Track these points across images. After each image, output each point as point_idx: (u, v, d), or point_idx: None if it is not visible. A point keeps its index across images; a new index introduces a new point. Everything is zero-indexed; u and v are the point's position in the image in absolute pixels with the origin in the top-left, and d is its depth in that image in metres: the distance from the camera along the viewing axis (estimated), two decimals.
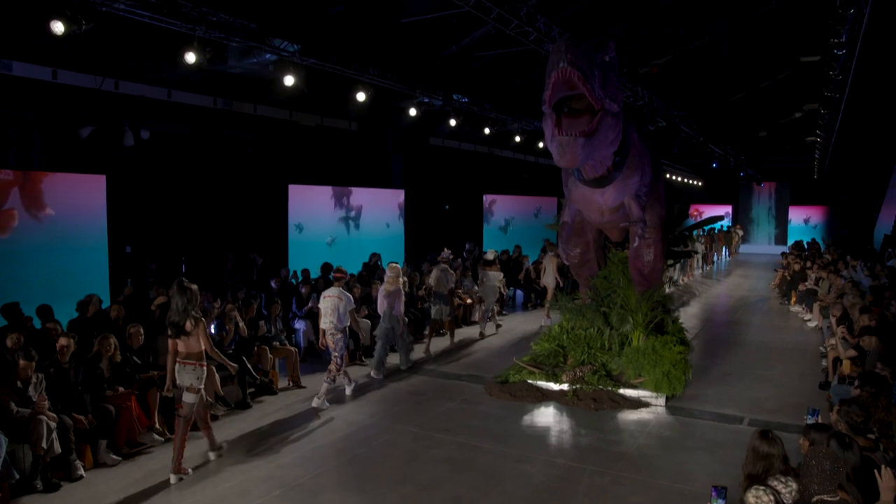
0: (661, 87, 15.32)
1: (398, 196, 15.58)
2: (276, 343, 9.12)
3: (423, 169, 17.23)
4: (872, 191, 23.40)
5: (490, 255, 12.98)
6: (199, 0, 7.63)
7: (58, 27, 6.84)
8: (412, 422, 7.52)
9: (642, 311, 8.55)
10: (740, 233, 32.44)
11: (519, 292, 16.24)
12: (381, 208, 15.18)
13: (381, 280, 10.13)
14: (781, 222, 34.20)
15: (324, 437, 7.06)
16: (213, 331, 8.43)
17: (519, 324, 13.38)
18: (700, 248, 23.91)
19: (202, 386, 6.05)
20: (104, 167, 10.34)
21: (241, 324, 8.42)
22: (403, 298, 9.82)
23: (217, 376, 7.83)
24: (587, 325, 9.15)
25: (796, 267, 16.99)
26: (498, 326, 12.79)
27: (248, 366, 8.21)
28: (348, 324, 8.26)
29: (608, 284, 9.21)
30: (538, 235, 18.87)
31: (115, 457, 6.21)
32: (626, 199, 7.89)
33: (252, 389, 8.34)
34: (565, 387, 8.25)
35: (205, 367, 6.07)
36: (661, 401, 7.98)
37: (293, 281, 11.83)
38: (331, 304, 8.14)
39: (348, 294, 8.40)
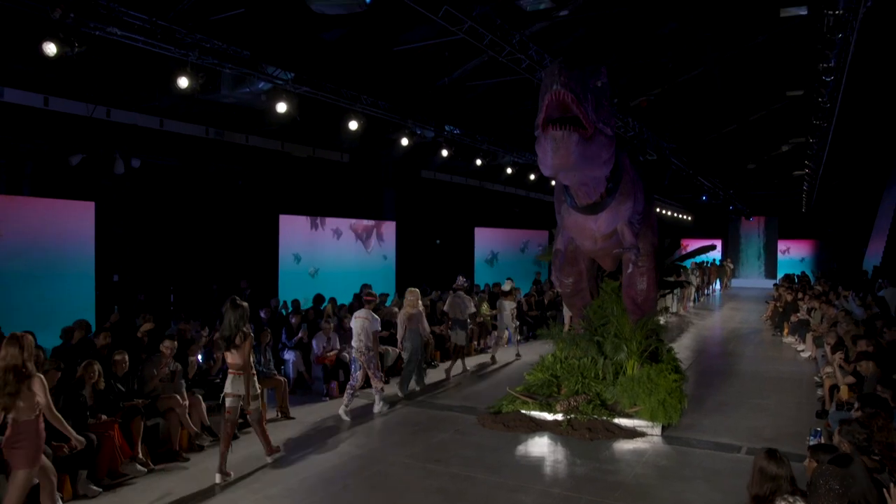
0: (651, 119, 15.50)
1: (390, 228, 15.56)
2: (265, 373, 8.94)
3: (415, 201, 17.24)
4: (860, 224, 23.59)
5: (507, 286, 13.45)
6: (193, 26, 7.66)
7: (50, 49, 6.82)
8: (404, 452, 7.34)
9: (636, 340, 8.45)
10: (731, 266, 32.65)
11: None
12: (372, 240, 15.13)
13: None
14: (770, 256, 34.38)
15: (313, 468, 6.87)
16: (200, 360, 8.29)
17: (512, 355, 13.24)
18: (694, 280, 24.29)
19: (246, 392, 6.59)
20: (94, 195, 10.27)
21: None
22: (426, 321, 10.27)
23: (203, 405, 7.66)
24: (581, 355, 9.03)
25: (788, 298, 16.99)
26: (517, 356, 12.92)
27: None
28: (371, 344, 8.76)
29: (602, 314, 9.14)
30: (525, 269, 18.88)
31: (95, 488, 6.00)
32: (620, 225, 7.87)
33: (240, 420, 8.14)
34: (559, 416, 8.10)
35: (254, 377, 6.73)
36: (657, 430, 7.84)
37: (283, 311, 11.70)
38: (360, 324, 8.75)
39: (375, 316, 8.92)
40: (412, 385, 10.09)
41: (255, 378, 6.77)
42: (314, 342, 10.31)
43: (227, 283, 12.32)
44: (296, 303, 11.68)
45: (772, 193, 29.64)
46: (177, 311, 10.46)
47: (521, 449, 7.48)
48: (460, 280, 12.52)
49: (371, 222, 15.62)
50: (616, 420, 7.97)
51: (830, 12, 6.29)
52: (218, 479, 6.35)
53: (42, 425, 4.77)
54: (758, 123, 19.36)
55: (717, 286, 29.33)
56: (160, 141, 11.22)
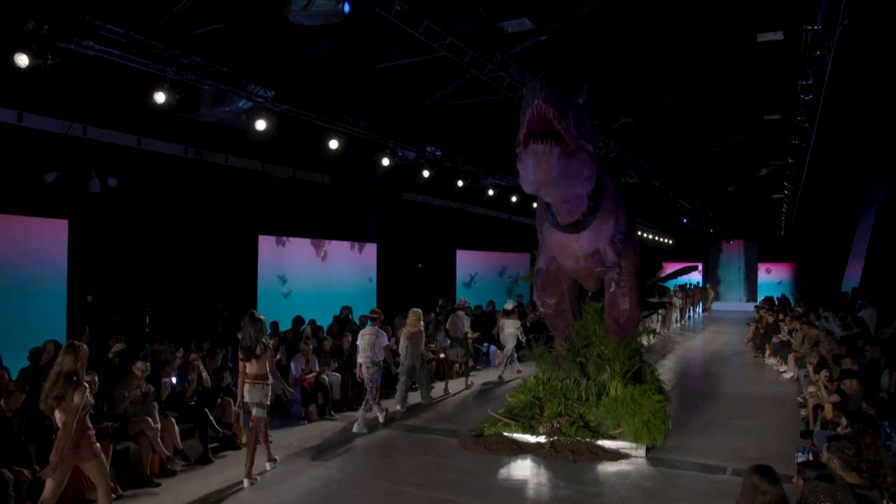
0: (632, 141, 15.60)
1: (371, 250, 15.43)
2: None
3: (396, 223, 17.14)
4: (838, 247, 23.86)
5: (509, 306, 13.79)
6: (171, 41, 7.57)
7: (22, 60, 6.67)
8: (384, 476, 7.15)
9: (620, 360, 8.37)
10: (713, 289, 32.88)
11: (492, 347, 15.94)
12: (353, 262, 14.99)
13: (353, 332, 10.84)
14: (751, 279, 34.63)
15: (289, 493, 6.67)
16: (174, 381, 8.07)
17: (493, 378, 13.09)
18: (678, 302, 24.59)
19: (269, 402, 7.05)
20: (68, 213, 10.06)
21: (205, 374, 8.05)
22: (424, 339, 10.84)
23: (177, 428, 7.43)
24: (563, 376, 8.92)
25: (769, 320, 17.05)
26: (518, 372, 12.97)
27: (211, 418, 7.81)
28: (382, 358, 9.34)
29: (584, 335, 9.07)
30: (503, 291, 18.83)
31: None
32: (602, 244, 7.82)
33: (215, 444, 7.93)
34: (542, 439, 7.96)
35: (270, 386, 7.08)
36: (642, 451, 7.72)
37: None
38: (368, 340, 9.22)
39: (383, 332, 9.46)
40: (418, 399, 10.59)
41: (270, 388, 7.14)
42: (292, 364, 10.10)
43: (204, 304, 12.11)
44: (274, 324, 11.47)
45: (751, 217, 29.95)
46: (152, 332, 10.23)
47: (503, 472, 7.32)
48: (460, 301, 13.25)
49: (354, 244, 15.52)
50: (599, 442, 7.84)
51: (809, 27, 6.35)
52: (246, 483, 6.78)
53: (87, 420, 5.24)
54: (737, 147, 19.58)
55: (700, 309, 29.48)
56: (138, 160, 11.05)
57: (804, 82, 8.08)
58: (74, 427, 4.99)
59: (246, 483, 6.78)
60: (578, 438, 7.84)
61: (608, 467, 7.40)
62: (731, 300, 34.23)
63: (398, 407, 10.13)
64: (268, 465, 7.29)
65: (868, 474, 3.90)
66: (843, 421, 4.51)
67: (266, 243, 12.42)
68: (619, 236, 8.47)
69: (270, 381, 7.14)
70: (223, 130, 11.29)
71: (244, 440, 8.28)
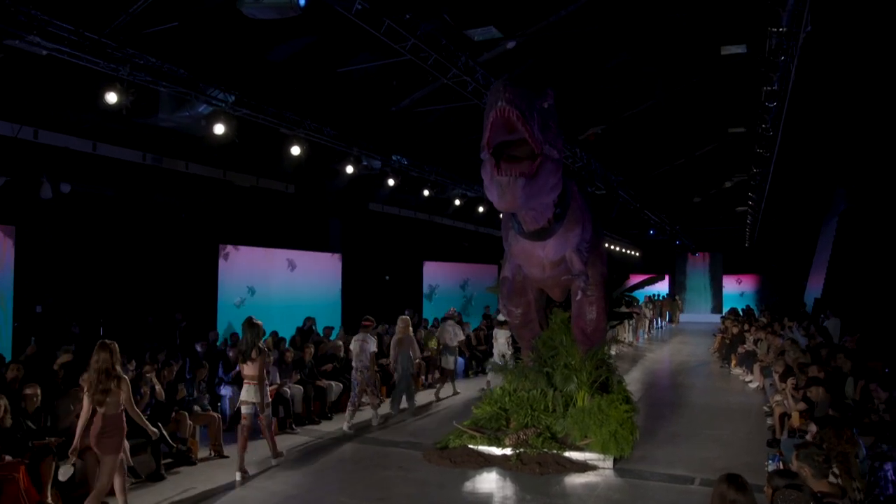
0: (599, 152, 15.64)
1: (335, 261, 15.15)
2: (198, 408, 8.40)
3: (362, 234, 16.89)
4: (800, 259, 24.26)
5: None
6: (125, 40, 7.28)
7: None
8: (343, 492, 6.92)
9: (587, 370, 8.25)
10: (680, 301, 33.21)
11: (460, 359, 15.73)
12: (317, 272, 14.70)
13: (315, 343, 10.93)
14: (716, 291, 35.03)
15: None
16: None
17: (461, 390, 12.88)
18: (648, 312, 25.13)
19: (260, 400, 7.43)
20: (15, 220, 9.62)
21: (158, 387, 7.71)
22: (416, 344, 11.28)
23: (127, 444, 7.06)
24: (530, 387, 8.77)
25: (735, 330, 17.17)
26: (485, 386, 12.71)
27: (164, 433, 7.45)
28: (369, 364, 9.72)
29: (551, 345, 8.95)
30: (459, 304, 18.71)
31: None
32: (568, 252, 7.71)
33: (168, 459, 7.59)
34: (508, 451, 7.78)
35: (266, 386, 7.55)
36: (609, 463, 7.59)
37: (218, 344, 11.15)
38: (359, 346, 9.75)
39: (372, 338, 9.93)
40: (403, 404, 10.66)
41: (268, 388, 7.65)
42: None
43: (163, 315, 11.72)
44: (234, 336, 11.14)
45: (717, 229, 30.35)
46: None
47: (468, 485, 7.12)
48: (451, 311, 13.46)
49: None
50: (567, 453, 7.69)
51: (774, 29, 6.37)
52: (237, 476, 7.20)
53: (124, 419, 5.75)
54: (703, 160, 19.80)
55: (667, 320, 29.75)
56: (93, 165, 10.66)
57: (768, 88, 8.12)
58: (120, 416, 5.67)
59: (237, 476, 7.18)
60: (545, 450, 7.68)
61: (575, 479, 7.26)
62: (696, 312, 34.56)
63: (391, 410, 10.57)
64: (274, 461, 7.74)
65: (840, 472, 3.81)
66: (812, 427, 4.42)
67: (227, 253, 12.07)
68: (586, 245, 8.38)
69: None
70: (183, 136, 10.96)
71: (206, 453, 8.05)
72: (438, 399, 11.86)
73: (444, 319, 13.55)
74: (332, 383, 10.72)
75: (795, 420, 7.17)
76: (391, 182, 12.92)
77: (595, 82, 13.35)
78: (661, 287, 34.18)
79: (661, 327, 28.41)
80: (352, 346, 9.93)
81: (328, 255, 15.29)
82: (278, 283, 13.78)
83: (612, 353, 17.00)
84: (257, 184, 13.58)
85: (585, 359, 8.29)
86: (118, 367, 5.73)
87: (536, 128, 5.66)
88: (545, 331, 9.44)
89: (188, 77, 8.34)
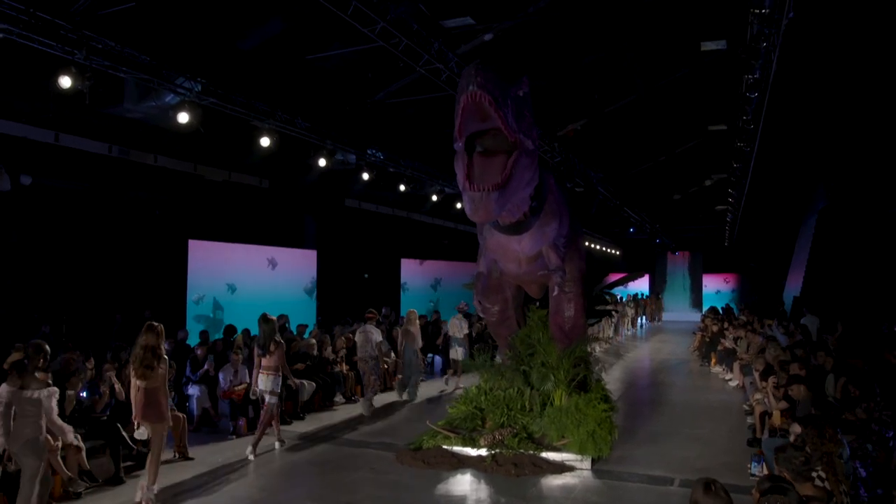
0: (578, 148, 15.46)
1: (310, 257, 14.80)
2: None
3: (338, 231, 16.56)
4: (779, 258, 24.28)
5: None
6: (81, 22, 6.92)
7: None
8: (310, 495, 6.64)
9: (564, 368, 8.02)
10: (660, 303, 33.26)
11: (437, 358, 15.50)
12: (291, 269, 14.36)
13: (287, 341, 10.11)
14: (696, 290, 35.12)
15: None
16: (84, 394, 7.38)
17: (437, 390, 12.63)
18: (630, 311, 25.23)
19: (278, 390, 8.13)
20: None
21: (118, 386, 7.37)
22: (419, 337, 11.92)
23: (83, 447, 6.74)
24: (507, 386, 8.54)
25: (714, 329, 17.09)
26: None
27: (124, 434, 7.12)
28: (375, 354, 10.61)
29: (529, 343, 8.73)
30: (452, 300, 18.45)
31: None
32: (544, 247, 7.50)
33: (129, 462, 7.26)
34: (483, 452, 7.54)
35: (280, 377, 8.14)
36: (587, 464, 7.38)
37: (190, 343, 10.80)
38: (364, 337, 10.62)
39: (376, 330, 10.82)
40: (404, 397, 11.36)
41: (283, 379, 8.28)
42: (221, 375, 9.50)
43: (131, 312, 11.34)
44: (204, 334, 10.81)
45: (696, 228, 30.39)
46: (65, 342, 9.46)
47: (441, 487, 6.87)
48: (461, 305, 13.79)
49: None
50: (543, 454, 7.47)
51: (756, 10, 6.19)
52: (250, 455, 7.76)
53: (165, 391, 6.44)
54: (682, 157, 19.71)
55: (645, 319, 29.76)
56: (55, 156, 10.26)
57: (750, 77, 7.94)
58: (159, 389, 6.30)
59: (250, 455, 7.75)
60: (521, 451, 7.46)
61: (552, 481, 7.04)
62: (676, 310, 34.63)
63: (403, 397, 11.39)
64: (277, 445, 8.26)
65: (826, 473, 3.61)
66: (796, 427, 4.23)
67: (197, 249, 11.71)
68: (563, 240, 8.18)
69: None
70: (151, 128, 10.62)
71: (171, 454, 7.72)
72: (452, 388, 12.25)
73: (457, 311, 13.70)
74: (305, 382, 10.40)
75: (777, 419, 7.00)
76: (366, 176, 12.61)
77: (574, 77, 13.16)
78: (642, 286, 34.22)
79: (643, 325, 28.42)
80: (356, 338, 10.82)
81: (302, 251, 14.93)
82: (251, 280, 13.43)
83: (594, 350, 17.13)
84: (229, 178, 13.24)
85: (562, 357, 8.07)
86: (162, 347, 6.41)
87: (511, 115, 5.40)
88: (523, 328, 9.25)
89: (151, 63, 7.98)
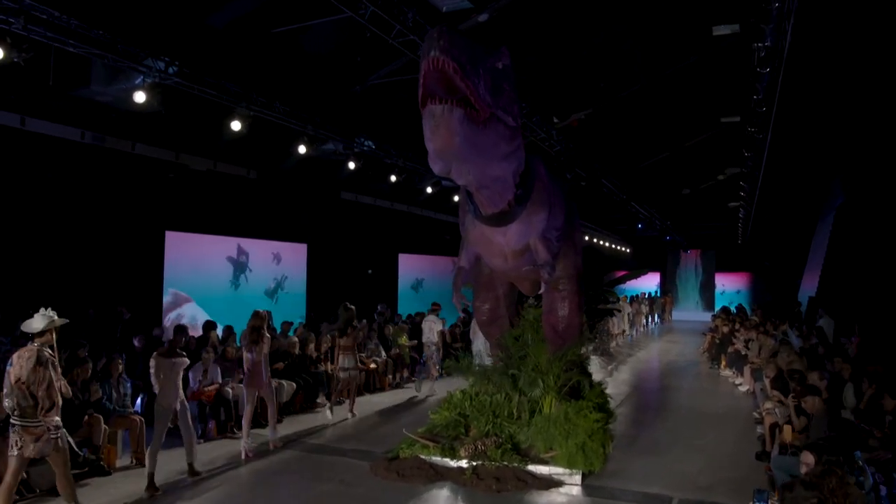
0: (582, 139, 14.74)
1: (300, 251, 14.18)
2: (117, 411, 7.48)
3: (333, 224, 15.94)
4: (794, 256, 23.37)
5: None
6: None
7: None
8: None
9: (554, 373, 7.35)
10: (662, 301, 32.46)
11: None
12: (278, 263, 13.76)
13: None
14: (708, 289, 34.22)
15: None
16: None
17: (434, 390, 12.00)
18: (644, 309, 25.36)
19: (354, 364, 9.81)
20: None
21: (64, 385, 6.76)
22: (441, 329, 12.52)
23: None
24: (494, 391, 7.88)
25: (725, 330, 16.33)
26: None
27: (70, 439, 6.51)
28: (436, 340, 12.03)
29: (521, 344, 8.09)
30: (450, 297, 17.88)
31: None
32: (532, 240, 6.81)
33: (82, 469, 6.68)
34: (464, 463, 6.89)
35: (357, 355, 9.98)
36: (577, 478, 6.70)
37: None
38: (428, 326, 12.25)
39: (440, 319, 12.38)
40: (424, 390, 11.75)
41: (359, 355, 10.16)
42: (190, 375, 8.86)
43: (105, 307, 10.77)
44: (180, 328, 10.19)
45: (709, 226, 29.48)
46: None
47: None
48: (434, 305, 13.68)
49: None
50: (529, 467, 6.80)
51: None
52: (350, 417, 9.63)
53: (266, 364, 7.85)
54: (694, 151, 18.93)
55: (657, 318, 29.04)
56: (21, 142, 9.68)
57: (761, 47, 7.19)
58: (262, 363, 7.70)
59: (350, 417, 9.56)
60: (505, 463, 6.79)
61: (537, 498, 6.38)
62: (688, 310, 33.77)
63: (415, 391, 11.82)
64: (349, 416, 9.64)
65: None
66: (808, 457, 3.54)
67: (176, 241, 11.14)
68: (556, 233, 7.50)
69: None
70: (129, 114, 10.03)
71: (122, 462, 7.13)
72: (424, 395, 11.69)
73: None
74: (284, 383, 9.80)
75: (787, 435, 6.28)
76: (352, 165, 11.96)
77: (577, 63, 12.46)
78: (651, 283, 33.44)
79: (654, 325, 27.86)
80: (423, 326, 12.37)
81: (291, 244, 14.30)
82: (230, 273, 12.86)
83: (594, 351, 16.55)
84: (215, 168, 12.63)
85: (553, 360, 7.40)
86: (265, 328, 7.83)
87: (482, 86, 4.71)
88: (515, 328, 8.62)
89: (105, 37, 7.33)
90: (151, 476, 6.35)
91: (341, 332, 9.69)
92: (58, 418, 5.35)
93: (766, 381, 8.71)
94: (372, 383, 12.00)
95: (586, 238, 25.79)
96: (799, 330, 12.86)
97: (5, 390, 5.25)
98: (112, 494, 6.40)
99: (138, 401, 9.32)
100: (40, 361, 5.27)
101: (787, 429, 6.41)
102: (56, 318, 5.49)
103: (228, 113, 10.05)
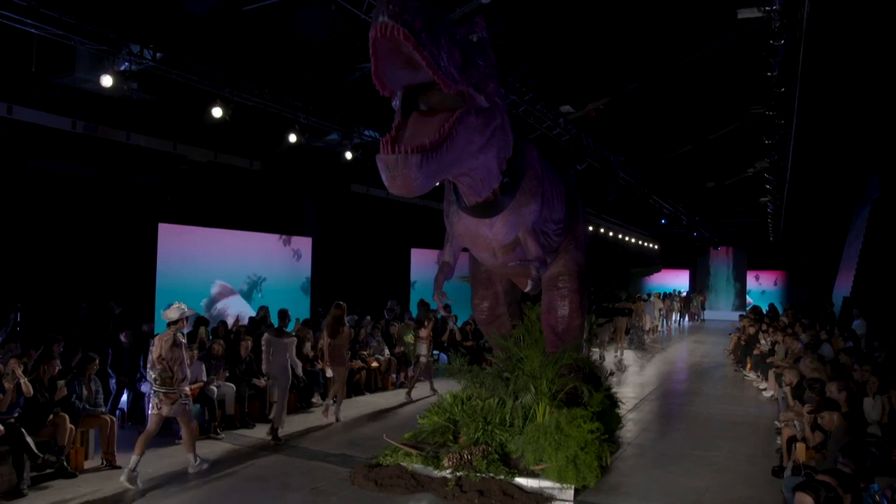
0: (600, 128, 14.06)
1: (304, 245, 13.76)
2: (87, 410, 7.13)
3: (341, 217, 15.51)
4: (829, 254, 22.26)
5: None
6: None
7: None
8: None
9: (547, 378, 6.78)
10: (701, 298, 31.43)
11: (443, 356, 14.34)
12: (281, 258, 13.37)
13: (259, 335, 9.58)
14: (740, 288, 33.06)
15: None
16: None
17: (442, 391, 11.51)
18: (676, 305, 25.71)
19: (427, 352, 10.73)
20: None
21: (24, 381, 6.43)
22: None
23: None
24: (487, 395, 7.36)
25: (751, 330, 15.51)
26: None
27: (28, 440, 6.20)
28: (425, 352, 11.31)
29: (527, 343, 7.55)
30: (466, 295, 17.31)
31: None
32: (522, 233, 6.24)
33: (34, 473, 6.35)
34: (448, 473, 6.37)
35: (430, 344, 10.92)
36: (569, 494, 6.13)
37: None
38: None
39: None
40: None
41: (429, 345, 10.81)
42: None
43: (97, 301, 10.53)
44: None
45: (740, 222, 28.37)
46: (23, 332, 8.74)
47: None
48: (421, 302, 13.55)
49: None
50: (517, 479, 6.25)
51: None
52: (434, 396, 9.97)
53: (346, 347, 9.22)
54: (720, 142, 18.05)
55: (680, 318, 28.19)
56: (7, 130, 9.44)
57: (775, 19, 6.45)
58: (343, 346, 8.99)
59: (434, 396, 9.89)
60: (491, 475, 6.26)
61: None
62: (719, 308, 32.68)
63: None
64: (432, 394, 10.40)
65: None
66: (804, 500, 2.93)
67: (170, 233, 10.80)
68: (554, 226, 6.97)
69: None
70: (122, 102, 9.72)
71: (91, 463, 6.77)
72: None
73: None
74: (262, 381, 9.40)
75: (801, 454, 5.62)
76: (349, 155, 11.48)
77: (591, 50, 11.80)
78: (681, 281, 32.49)
79: (685, 322, 27.34)
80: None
81: (294, 238, 13.89)
82: (238, 269, 12.52)
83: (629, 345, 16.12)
84: (215, 159, 12.29)
85: (546, 363, 6.83)
86: (343, 318, 9.03)
87: (447, 58, 4.14)
88: (518, 328, 8.08)
89: (76, 22, 6.96)
90: (276, 430, 8.03)
91: (418, 324, 10.39)
92: (187, 388, 6.84)
93: (786, 390, 8.01)
94: (374, 382, 11.55)
95: (610, 234, 25.06)
96: (828, 332, 12.04)
97: (149, 365, 6.64)
98: (67, 497, 6.05)
99: (123, 398, 9.13)
100: (176, 343, 6.65)
101: (800, 447, 5.74)
102: (186, 309, 6.83)
103: (223, 101, 9.69)
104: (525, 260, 6.24)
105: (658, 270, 23.00)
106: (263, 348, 8.33)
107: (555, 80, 11.47)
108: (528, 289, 6.22)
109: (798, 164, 14.40)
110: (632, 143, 16.03)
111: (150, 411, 6.70)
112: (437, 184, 4.93)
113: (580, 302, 7.51)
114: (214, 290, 12.10)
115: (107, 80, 7.82)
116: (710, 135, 16.86)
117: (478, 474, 6.25)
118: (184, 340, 6.80)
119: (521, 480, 6.24)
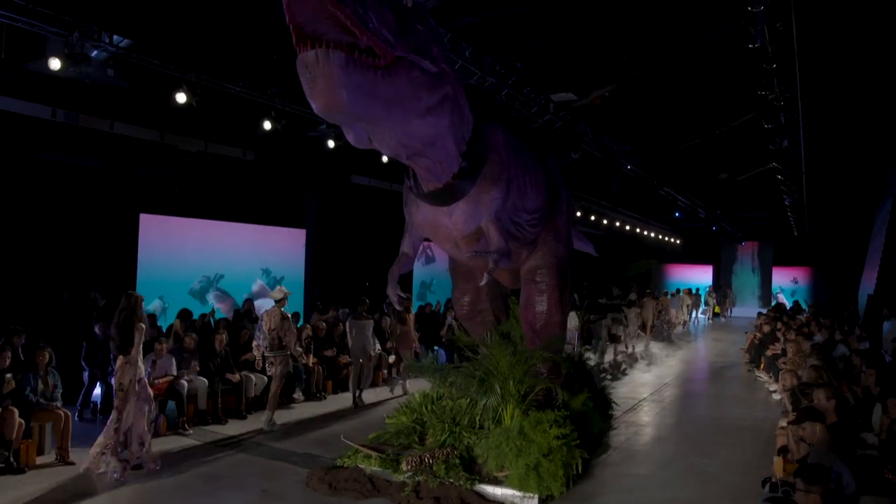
0: (605, 117, 13.47)
1: (298, 237, 13.46)
2: (41, 404, 6.89)
3: (340, 210, 15.17)
4: (855, 249, 21.29)
5: None
6: None
7: None
8: None
9: (515, 378, 6.34)
10: (731, 294, 30.46)
11: (443, 352, 13.94)
12: (273, 250, 13.10)
13: (238, 329, 10.09)
14: (766, 284, 32.00)
15: None
16: None
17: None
18: (711, 301, 26.56)
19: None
20: None
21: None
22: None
23: None
24: (458, 395, 6.94)
25: (766, 329, 14.83)
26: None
27: None
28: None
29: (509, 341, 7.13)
30: None
31: None
32: (485, 222, 5.80)
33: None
34: (407, 478, 5.98)
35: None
36: (533, 503, 5.70)
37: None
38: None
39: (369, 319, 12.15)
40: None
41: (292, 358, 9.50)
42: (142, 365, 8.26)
43: (79, 291, 10.35)
44: (151, 317, 9.65)
45: (763, 216, 27.33)
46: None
47: None
48: None
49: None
50: (479, 486, 5.84)
51: None
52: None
53: (412, 332, 10.80)
54: (740, 132, 17.26)
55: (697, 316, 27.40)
56: None
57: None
58: (410, 331, 10.56)
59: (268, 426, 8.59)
60: (451, 480, 5.85)
61: None
62: (744, 305, 31.64)
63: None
64: (403, 395, 10.18)
65: None
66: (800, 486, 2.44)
67: (154, 224, 10.59)
68: (528, 216, 6.52)
69: None
70: (102, 90, 9.49)
71: (43, 459, 6.53)
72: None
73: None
74: (253, 376, 9.12)
75: (778, 469, 5.07)
76: (331, 144, 11.10)
77: (592, 33, 11.23)
78: (704, 277, 31.64)
79: (704, 320, 26.77)
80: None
81: (287, 229, 13.60)
82: (231, 260, 12.28)
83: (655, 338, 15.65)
84: (205, 149, 12.03)
85: (515, 362, 6.38)
86: (410, 311, 10.62)
87: (374, 18, 3.71)
88: (502, 324, 7.70)
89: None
90: (355, 396, 9.58)
91: (400, 318, 10.52)
92: (289, 353, 8.36)
93: (785, 395, 7.44)
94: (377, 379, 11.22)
95: (627, 227, 24.35)
96: (845, 333, 11.35)
97: (260, 335, 8.16)
98: (11, 494, 5.80)
99: (96, 391, 8.89)
100: (283, 317, 8.23)
101: (777, 461, 5.19)
102: (286, 290, 8.41)
103: (215, 90, 9.41)
104: (484, 252, 5.80)
105: (655, 265, 22.27)
106: (347, 330, 9.90)
107: (552, 65, 10.94)
108: (482, 283, 5.78)
109: (812, 153, 13.65)
110: (639, 132, 15.39)
111: (269, 372, 8.25)
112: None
113: (560, 297, 7.05)
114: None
115: (55, 63, 7.54)
116: (729, 123, 16.10)
117: (437, 479, 5.85)
118: (288, 315, 8.34)
119: (484, 487, 5.83)
